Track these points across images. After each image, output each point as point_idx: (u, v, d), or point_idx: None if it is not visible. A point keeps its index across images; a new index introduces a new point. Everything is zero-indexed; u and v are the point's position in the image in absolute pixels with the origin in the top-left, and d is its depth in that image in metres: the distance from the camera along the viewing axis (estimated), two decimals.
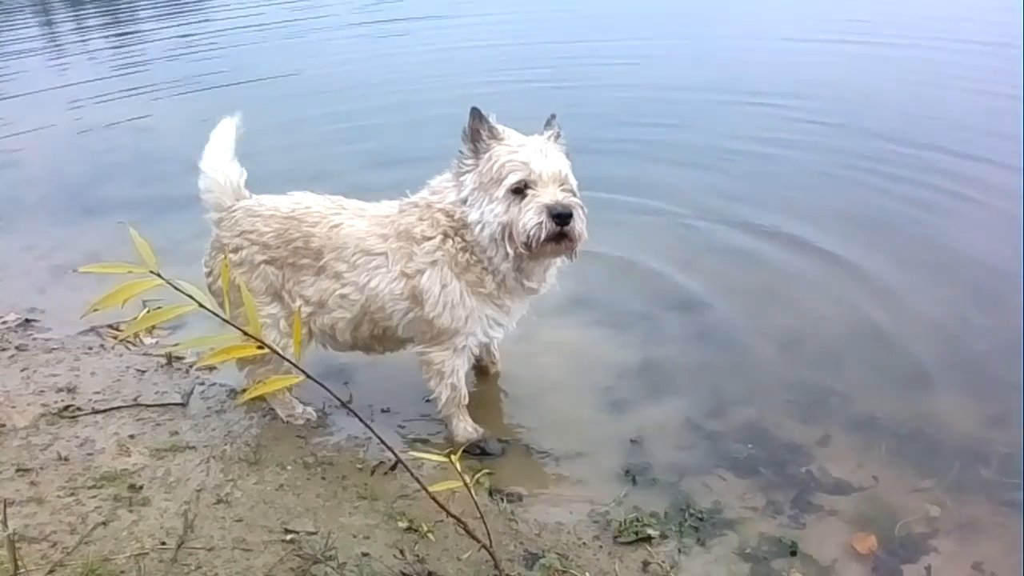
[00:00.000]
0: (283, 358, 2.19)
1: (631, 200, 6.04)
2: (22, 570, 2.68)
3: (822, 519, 3.34)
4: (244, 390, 3.94)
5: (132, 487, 3.24)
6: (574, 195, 3.17)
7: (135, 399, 3.99)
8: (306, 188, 3.72)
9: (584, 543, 3.17)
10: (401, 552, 2.96)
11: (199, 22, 15.85)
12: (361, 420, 2.33)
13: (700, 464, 3.64)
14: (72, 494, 3.18)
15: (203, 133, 3.66)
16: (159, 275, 2.03)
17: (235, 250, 3.51)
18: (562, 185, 3.11)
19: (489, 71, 9.80)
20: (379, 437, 2.40)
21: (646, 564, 3.07)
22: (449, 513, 2.59)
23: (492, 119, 3.20)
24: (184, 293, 2.03)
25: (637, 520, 3.27)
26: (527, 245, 3.08)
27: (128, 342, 4.66)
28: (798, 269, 5.15)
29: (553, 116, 3.32)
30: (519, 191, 3.08)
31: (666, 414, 3.95)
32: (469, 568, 2.97)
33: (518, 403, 4.08)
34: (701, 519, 3.30)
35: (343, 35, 13.30)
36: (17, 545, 2.81)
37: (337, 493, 3.38)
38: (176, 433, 3.72)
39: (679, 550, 3.16)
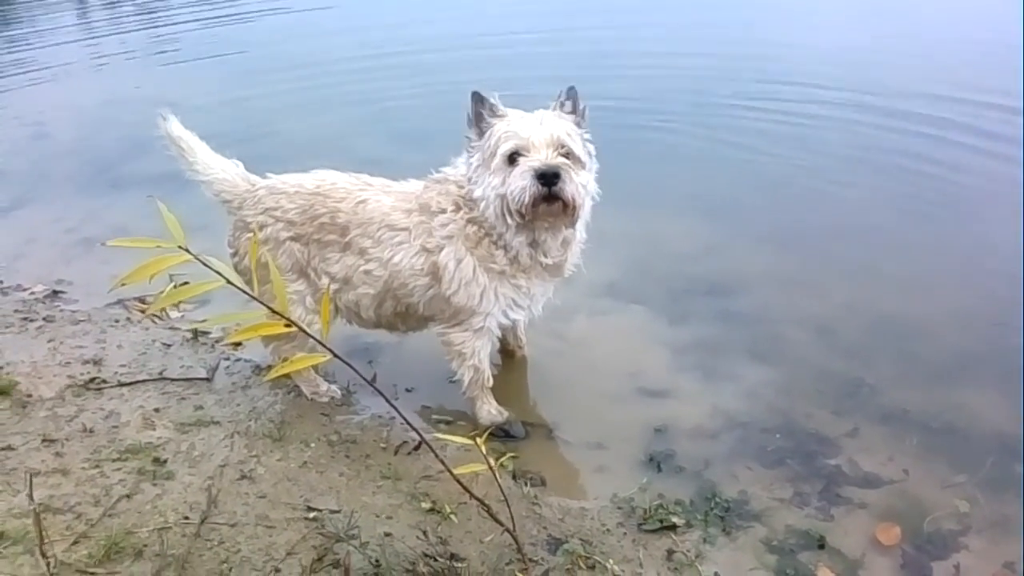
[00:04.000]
0: (310, 336, 2.16)
1: (663, 180, 5.97)
2: (46, 540, 2.68)
3: (850, 512, 3.28)
4: (270, 367, 3.93)
5: (156, 460, 3.25)
6: (573, 158, 3.08)
7: (160, 373, 4.00)
8: (331, 166, 3.70)
9: (608, 530, 3.13)
10: (424, 533, 2.94)
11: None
12: (386, 399, 2.30)
13: (727, 453, 3.59)
14: (97, 466, 3.19)
15: (230, 109, 3.64)
16: (187, 250, 2.01)
17: (259, 227, 3.49)
18: (558, 149, 3.02)
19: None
20: (403, 417, 2.37)
21: (671, 553, 3.03)
22: (473, 495, 2.56)
23: (494, 99, 3.15)
24: (212, 269, 2.01)
25: (662, 507, 3.23)
26: (520, 212, 3.04)
27: (155, 316, 4.67)
28: (832, 256, 5.06)
29: (571, 88, 3.21)
30: (513, 160, 3.04)
31: (693, 402, 3.90)
32: (491, 551, 2.95)
33: (544, 387, 4.05)
34: (727, 509, 3.26)
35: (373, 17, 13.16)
36: (42, 515, 2.83)
37: (360, 472, 3.36)
38: (201, 408, 3.72)
39: (704, 539, 3.11)
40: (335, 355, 2.16)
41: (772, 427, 3.73)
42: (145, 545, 2.74)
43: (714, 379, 4.05)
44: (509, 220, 3.11)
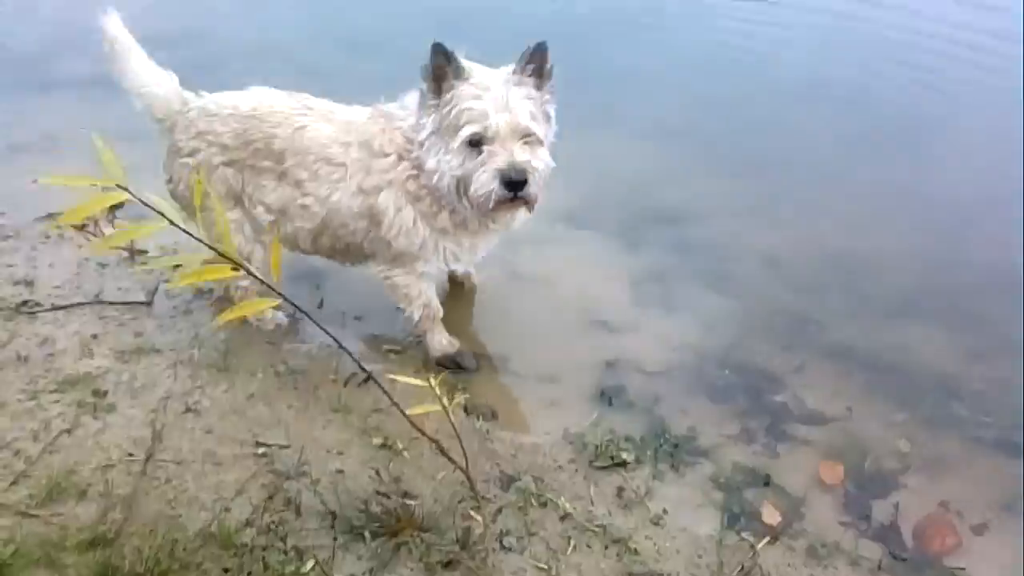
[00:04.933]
0: (256, 278, 2.06)
1: (619, 109, 5.83)
2: None
3: (795, 449, 3.36)
4: (214, 295, 3.80)
5: (96, 392, 3.14)
6: (537, 145, 2.93)
7: (97, 295, 3.83)
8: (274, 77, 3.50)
9: (560, 466, 3.15)
10: (377, 473, 2.92)
11: None
12: (334, 339, 2.23)
13: (677, 388, 3.62)
14: (33, 398, 3.08)
15: (164, 5, 3.38)
16: (127, 189, 1.90)
17: (191, 153, 3.31)
18: (524, 138, 2.87)
19: None
20: (352, 355, 2.31)
21: (620, 490, 3.06)
22: (426, 436, 2.54)
23: (460, 55, 2.90)
24: (155, 209, 1.91)
25: (612, 443, 3.26)
26: (479, 207, 2.93)
27: (88, 233, 4.45)
28: (786, 188, 5.06)
29: (540, 45, 2.91)
30: (475, 144, 2.86)
31: (645, 334, 3.90)
32: (444, 488, 2.95)
33: (495, 319, 4.00)
34: (676, 445, 3.30)
35: None
36: None
37: (309, 405, 3.31)
38: (141, 334, 3.59)
39: (653, 476, 3.16)
40: (285, 299, 2.09)
41: (721, 362, 3.77)
42: (89, 484, 2.67)
43: (666, 311, 4.06)
44: (465, 202, 2.98)
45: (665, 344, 3.84)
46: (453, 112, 2.86)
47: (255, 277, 2.03)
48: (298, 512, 2.75)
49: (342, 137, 3.21)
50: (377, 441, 3.12)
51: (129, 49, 3.29)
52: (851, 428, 3.47)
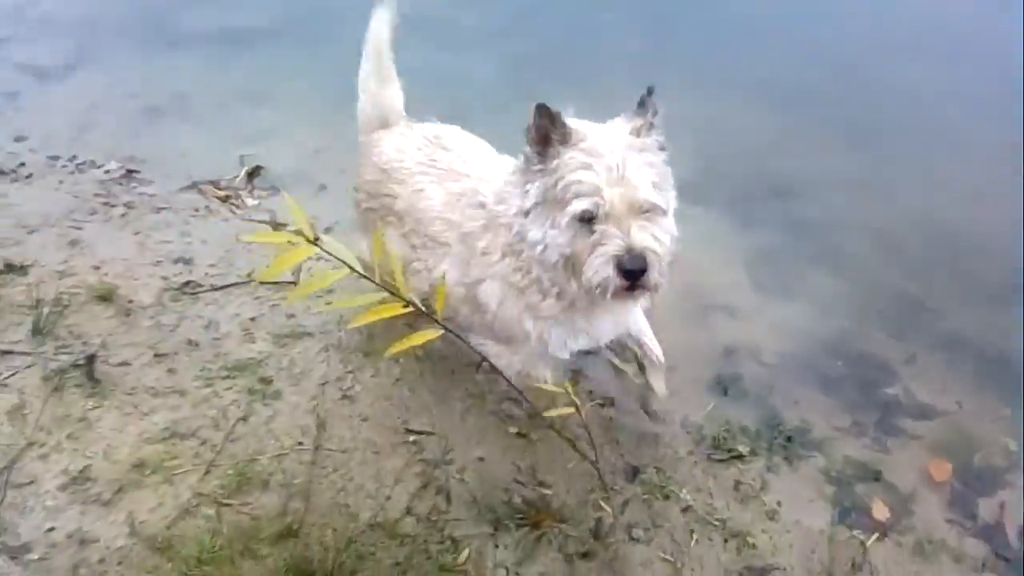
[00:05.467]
0: (427, 315, 2.33)
1: (730, 65, 5.81)
2: (180, 469, 2.99)
3: (905, 444, 3.53)
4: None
5: (263, 380, 3.49)
6: (659, 217, 2.54)
7: (249, 275, 4.17)
8: None
9: (680, 457, 3.40)
10: (515, 464, 3.22)
11: None
12: (481, 356, 2.47)
13: (790, 378, 3.80)
14: (209, 385, 3.44)
15: None
16: (317, 244, 2.18)
17: (357, 189, 3.52)
18: (642, 213, 2.49)
19: None
20: (504, 377, 2.58)
21: (738, 484, 3.30)
22: (563, 436, 2.84)
23: (568, 115, 2.56)
24: (340, 260, 2.18)
25: (728, 434, 3.49)
26: (593, 295, 2.58)
27: (233, 204, 4.80)
28: (899, 157, 5.05)
29: (650, 92, 2.57)
30: (587, 220, 2.49)
31: (759, 319, 4.07)
32: (576, 478, 3.23)
33: None
34: (789, 438, 3.51)
35: None
36: (172, 441, 3.13)
37: (448, 390, 3.61)
38: (293, 316, 3.92)
39: (768, 468, 3.38)
40: (452, 333, 2.37)
41: (834, 350, 3.93)
42: (270, 474, 3.04)
43: (780, 295, 4.21)
44: (573, 284, 2.65)
45: (779, 331, 4.01)
46: (560, 184, 2.51)
47: (424, 313, 2.31)
48: (448, 500, 3.08)
49: (448, 213, 3.02)
50: (512, 430, 3.42)
51: (378, 41, 3.31)
52: (960, 423, 3.62)
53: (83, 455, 3.01)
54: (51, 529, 2.73)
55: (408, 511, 2.99)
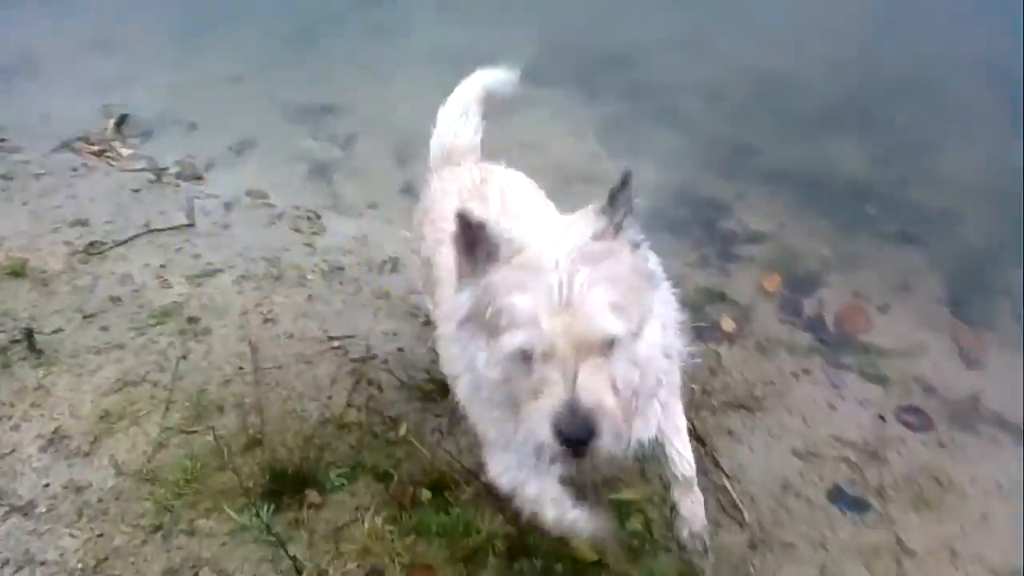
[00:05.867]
0: None
1: None
2: (142, 412, 3.41)
3: (742, 267, 4.28)
4: None
5: (191, 320, 3.87)
6: (622, 352, 1.91)
7: (146, 224, 4.45)
8: None
9: None
10: (432, 350, 3.76)
11: None
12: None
13: (646, 227, 4.43)
14: (142, 334, 3.79)
15: None
16: None
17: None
18: (595, 353, 1.85)
19: None
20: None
21: None
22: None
23: (488, 227, 1.94)
24: None
25: None
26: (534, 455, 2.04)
27: (108, 157, 4.98)
28: (720, 11, 5.61)
29: (624, 182, 2.01)
30: (525, 357, 1.89)
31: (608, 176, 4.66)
32: None
33: None
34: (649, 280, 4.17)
35: None
36: (126, 390, 3.53)
37: (357, 296, 4.09)
38: (199, 256, 4.27)
39: None
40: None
41: (679, 197, 4.59)
42: (222, 399, 3.49)
43: (630, 157, 4.78)
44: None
45: (633, 189, 4.61)
46: (490, 309, 1.93)
47: None
48: (380, 389, 3.62)
49: (451, 279, 2.26)
50: (421, 320, 3.95)
51: (468, 90, 3.27)
52: (784, 240, 4.37)
53: (51, 418, 3.37)
54: (47, 485, 3.12)
55: (349, 404, 3.51)
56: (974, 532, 3.12)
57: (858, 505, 3.18)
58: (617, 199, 2.00)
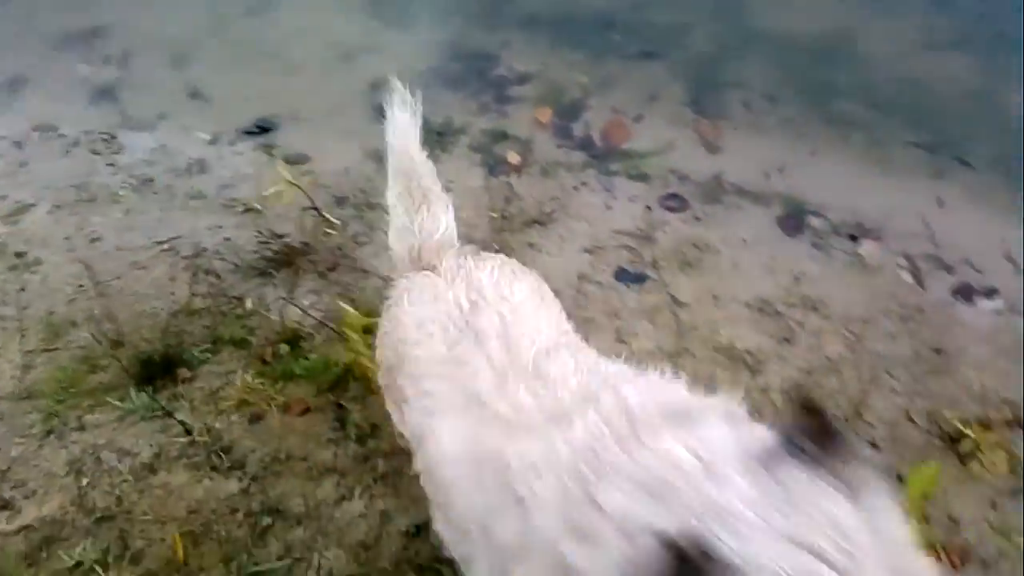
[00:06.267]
0: None
1: None
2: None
3: (517, 107, 4.82)
4: None
5: (17, 255, 4.02)
6: None
7: None
8: None
9: (370, 177, 4.46)
10: (258, 232, 4.12)
11: None
12: None
13: (427, 87, 4.84)
14: None
15: None
16: None
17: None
18: None
19: None
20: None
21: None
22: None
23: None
24: None
25: None
26: None
27: None
28: None
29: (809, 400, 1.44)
30: None
31: (395, 51, 5.05)
32: (303, 220, 4.21)
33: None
34: (440, 133, 4.65)
35: None
36: None
37: (172, 201, 4.34)
38: (5, 196, 4.35)
39: (433, 159, 4.53)
40: None
41: (451, 54, 5.04)
42: (72, 316, 3.73)
43: (401, 25, 5.18)
44: None
45: (410, 53, 5.03)
46: None
47: None
48: (218, 276, 3.95)
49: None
50: (239, 209, 4.27)
51: (409, 167, 2.55)
52: (548, 77, 4.95)
53: None
54: None
55: (193, 294, 3.84)
56: (729, 279, 3.93)
57: (639, 279, 3.91)
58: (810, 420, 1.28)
